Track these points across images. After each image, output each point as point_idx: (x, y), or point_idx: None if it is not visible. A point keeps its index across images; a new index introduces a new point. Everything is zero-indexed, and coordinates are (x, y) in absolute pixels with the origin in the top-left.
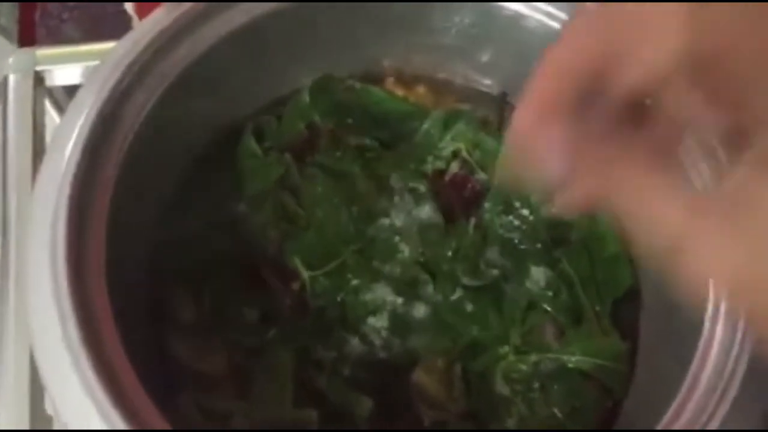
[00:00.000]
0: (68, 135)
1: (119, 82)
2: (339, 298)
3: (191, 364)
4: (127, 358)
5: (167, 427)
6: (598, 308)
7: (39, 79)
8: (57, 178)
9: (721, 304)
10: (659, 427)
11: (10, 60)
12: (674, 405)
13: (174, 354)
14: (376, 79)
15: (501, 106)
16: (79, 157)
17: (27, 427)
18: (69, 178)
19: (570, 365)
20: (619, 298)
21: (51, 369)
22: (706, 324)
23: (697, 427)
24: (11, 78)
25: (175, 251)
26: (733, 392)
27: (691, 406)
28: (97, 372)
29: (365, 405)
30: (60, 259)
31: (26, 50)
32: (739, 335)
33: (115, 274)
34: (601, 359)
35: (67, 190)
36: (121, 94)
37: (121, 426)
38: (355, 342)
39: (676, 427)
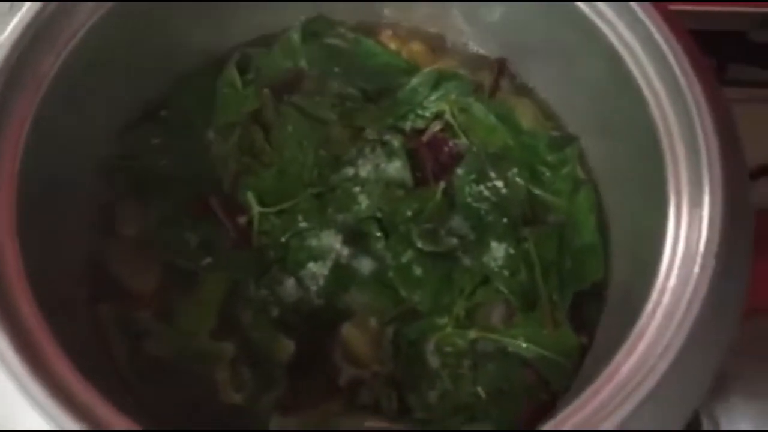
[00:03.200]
0: None
1: None
2: (284, 239)
3: (122, 279)
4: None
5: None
6: (555, 297)
7: None
8: None
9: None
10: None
11: None
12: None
13: (107, 266)
14: (372, 29)
15: (498, 71)
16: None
17: None
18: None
19: (510, 349)
20: (583, 290)
21: None
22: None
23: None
24: None
25: (131, 165)
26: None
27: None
28: None
29: (287, 348)
30: None
31: None
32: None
33: (42, 190)
34: (546, 350)
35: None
36: None
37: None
38: (290, 284)
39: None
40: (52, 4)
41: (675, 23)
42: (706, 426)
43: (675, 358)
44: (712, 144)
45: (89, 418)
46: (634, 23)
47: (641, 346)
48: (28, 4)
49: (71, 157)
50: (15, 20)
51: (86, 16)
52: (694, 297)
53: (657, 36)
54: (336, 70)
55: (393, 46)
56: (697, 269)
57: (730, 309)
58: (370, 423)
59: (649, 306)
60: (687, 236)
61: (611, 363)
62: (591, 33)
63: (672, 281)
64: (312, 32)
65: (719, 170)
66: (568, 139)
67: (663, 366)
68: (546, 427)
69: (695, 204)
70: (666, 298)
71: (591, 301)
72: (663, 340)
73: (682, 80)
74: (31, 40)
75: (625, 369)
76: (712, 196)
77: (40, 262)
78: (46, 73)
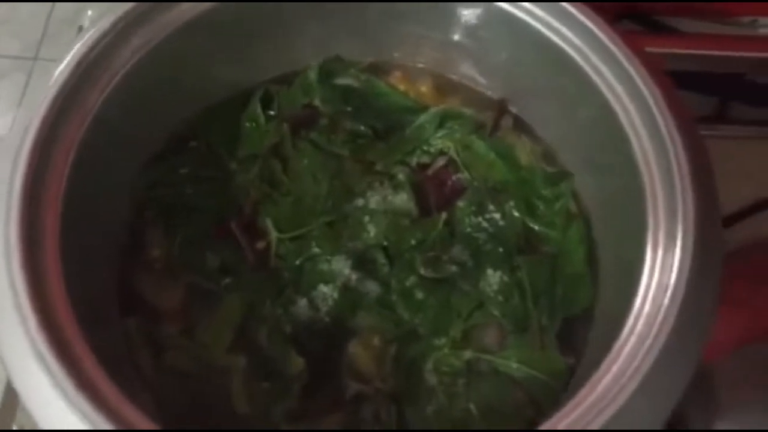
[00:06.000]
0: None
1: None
2: (298, 263)
3: (149, 296)
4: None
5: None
6: (545, 322)
7: None
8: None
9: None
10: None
11: None
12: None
13: (136, 284)
14: (384, 70)
15: (499, 111)
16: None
17: None
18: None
19: (502, 369)
20: (572, 316)
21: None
22: None
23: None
24: None
25: (160, 193)
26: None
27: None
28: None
29: (297, 363)
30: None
31: None
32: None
33: (82, 214)
34: (535, 371)
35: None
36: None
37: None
38: (302, 304)
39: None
40: (99, 44)
41: (656, 70)
42: None
43: (643, 379)
44: (687, 185)
45: (118, 420)
46: (620, 72)
47: (614, 368)
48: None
49: (108, 184)
50: (67, 58)
51: (129, 56)
52: (663, 324)
53: (637, 79)
54: (348, 108)
55: (402, 86)
56: (667, 300)
57: (696, 337)
58: None
59: (625, 331)
60: (661, 268)
61: (587, 384)
62: (581, 78)
63: (646, 309)
64: (328, 72)
65: (692, 210)
66: (563, 175)
67: (633, 385)
68: None
69: (670, 239)
70: (639, 325)
71: (579, 327)
72: (634, 363)
73: (661, 124)
74: (79, 77)
75: (599, 389)
76: (685, 232)
77: (78, 280)
78: (90, 108)
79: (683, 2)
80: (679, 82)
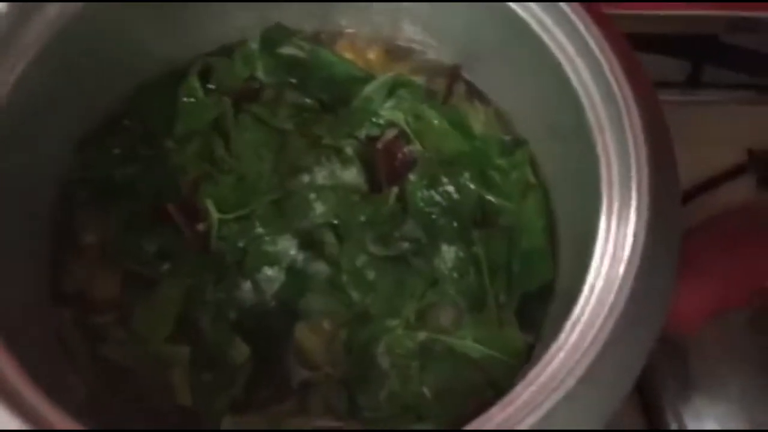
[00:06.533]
0: None
1: None
2: (241, 245)
3: (82, 285)
4: None
5: None
6: (502, 299)
7: None
8: None
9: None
10: None
11: None
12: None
13: (68, 274)
14: (329, 38)
15: (451, 78)
16: None
17: None
18: None
19: (458, 349)
20: (531, 291)
21: None
22: None
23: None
24: None
25: (92, 175)
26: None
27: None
28: None
29: (242, 351)
30: None
31: None
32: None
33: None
34: (493, 350)
35: None
36: None
37: None
38: (246, 287)
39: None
40: (11, 14)
41: (610, 29)
42: (672, 427)
43: (596, 356)
44: (642, 153)
45: (33, 419)
46: (572, 32)
47: (568, 345)
48: None
49: (32, 168)
50: None
51: (47, 26)
52: (617, 297)
53: (592, 44)
54: (292, 80)
55: (349, 55)
56: (621, 272)
57: (654, 310)
58: (321, 423)
59: (578, 307)
60: (615, 239)
61: (538, 364)
62: (537, 44)
63: (600, 282)
64: (270, 41)
65: (647, 179)
66: (519, 143)
67: (584, 364)
68: (470, 427)
69: (624, 207)
70: (593, 299)
71: (538, 303)
72: (587, 338)
73: (615, 89)
74: None
75: (550, 369)
76: (639, 200)
77: (6, 277)
78: (4, 83)
79: None
80: (650, 46)
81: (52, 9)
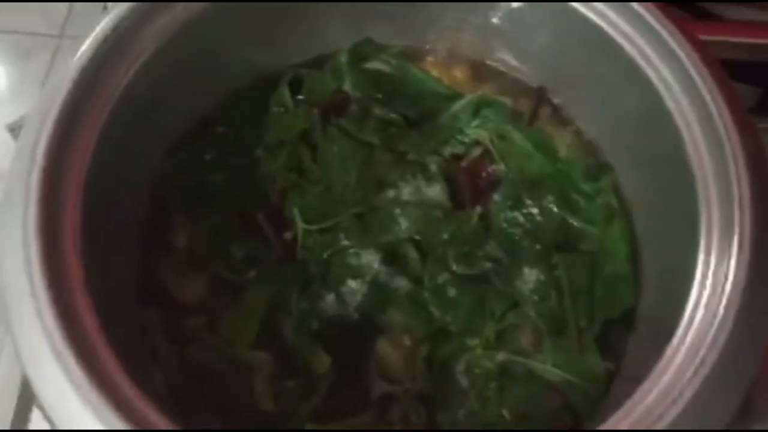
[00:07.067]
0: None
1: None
2: (326, 256)
3: (171, 287)
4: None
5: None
6: (583, 324)
7: None
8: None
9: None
10: None
11: None
12: None
13: (157, 275)
14: (417, 55)
15: (538, 100)
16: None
17: None
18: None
19: (537, 373)
20: (612, 318)
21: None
22: None
23: None
24: None
25: (184, 180)
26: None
27: None
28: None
29: (324, 361)
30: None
31: None
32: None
33: (103, 200)
34: (572, 375)
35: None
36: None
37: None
38: (330, 299)
39: None
40: (125, 22)
41: (711, 60)
42: None
43: (697, 391)
44: (744, 185)
45: (136, 419)
46: (671, 58)
47: (665, 379)
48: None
49: (131, 169)
50: (90, 37)
51: (153, 37)
52: (718, 334)
53: (692, 72)
54: (379, 95)
55: (435, 72)
56: (722, 309)
57: (753, 347)
58: None
59: (676, 340)
60: (715, 273)
61: (635, 394)
62: (629, 66)
63: (698, 317)
64: (359, 55)
65: (749, 212)
66: (604, 169)
67: (686, 397)
68: None
69: (724, 242)
70: (691, 334)
71: (619, 329)
72: (687, 374)
73: (717, 119)
74: (103, 58)
75: (650, 399)
76: (741, 235)
77: (98, 269)
78: (114, 90)
79: None
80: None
81: (164, 17)
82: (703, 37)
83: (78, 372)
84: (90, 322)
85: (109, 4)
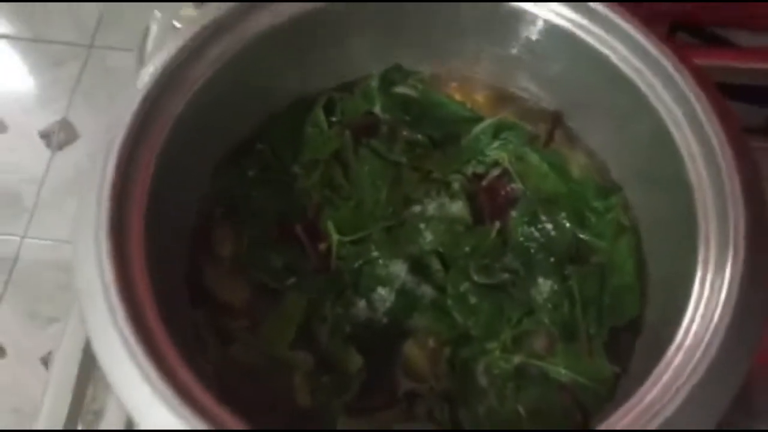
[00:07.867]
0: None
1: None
2: (357, 265)
3: (217, 292)
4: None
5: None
6: (592, 330)
7: None
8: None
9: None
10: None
11: None
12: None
13: (205, 280)
14: (441, 80)
15: (553, 123)
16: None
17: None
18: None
19: (550, 374)
20: (619, 326)
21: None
22: None
23: None
24: None
25: (226, 196)
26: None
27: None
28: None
29: (356, 361)
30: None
31: None
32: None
33: (161, 211)
34: (582, 377)
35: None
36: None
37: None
38: (361, 305)
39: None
40: (184, 54)
41: (707, 85)
42: None
43: (691, 392)
44: (738, 205)
45: (212, 419)
46: (672, 87)
47: (665, 379)
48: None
49: (183, 185)
50: (150, 67)
51: (207, 65)
52: (711, 341)
53: (691, 97)
54: (407, 117)
55: (458, 96)
56: (716, 317)
57: (744, 352)
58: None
59: (674, 346)
60: (711, 285)
61: (636, 393)
62: (637, 96)
63: (695, 325)
64: (389, 81)
65: (743, 228)
66: (614, 189)
67: (680, 397)
68: None
69: (721, 256)
70: (688, 340)
71: (626, 336)
72: (682, 376)
73: (714, 142)
74: (165, 83)
75: (648, 399)
76: (735, 251)
77: (156, 274)
78: (173, 113)
79: (738, 13)
80: (730, 93)
81: (217, 47)
82: (713, 63)
83: (148, 366)
84: (155, 321)
85: (151, 26)
